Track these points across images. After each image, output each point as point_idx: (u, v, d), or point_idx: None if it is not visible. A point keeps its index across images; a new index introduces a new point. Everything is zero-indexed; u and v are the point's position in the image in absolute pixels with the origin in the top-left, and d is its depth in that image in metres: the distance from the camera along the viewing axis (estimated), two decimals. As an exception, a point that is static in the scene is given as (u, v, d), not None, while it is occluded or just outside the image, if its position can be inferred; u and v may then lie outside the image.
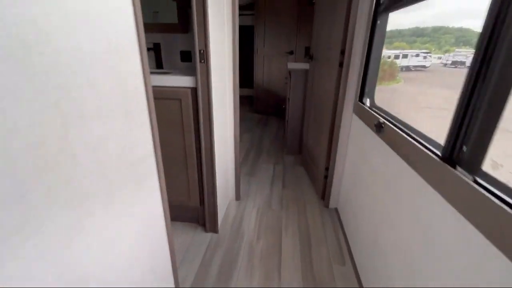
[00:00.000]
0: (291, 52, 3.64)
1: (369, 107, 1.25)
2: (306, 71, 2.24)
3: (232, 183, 1.77)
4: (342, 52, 1.42)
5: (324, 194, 1.79)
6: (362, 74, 1.33)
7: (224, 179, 1.62)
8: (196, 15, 1.09)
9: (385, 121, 1.00)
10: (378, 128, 1.03)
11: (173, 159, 1.37)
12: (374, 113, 1.12)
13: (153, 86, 1.27)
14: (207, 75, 1.17)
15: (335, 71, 1.49)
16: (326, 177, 1.73)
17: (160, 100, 1.27)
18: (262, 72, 3.90)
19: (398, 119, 0.99)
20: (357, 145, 1.41)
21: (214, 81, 1.24)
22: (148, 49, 1.51)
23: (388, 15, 1.17)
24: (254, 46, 3.80)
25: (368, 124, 1.19)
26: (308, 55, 2.07)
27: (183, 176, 1.40)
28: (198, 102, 1.22)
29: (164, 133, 1.32)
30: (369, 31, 1.26)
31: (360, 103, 1.33)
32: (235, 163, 1.72)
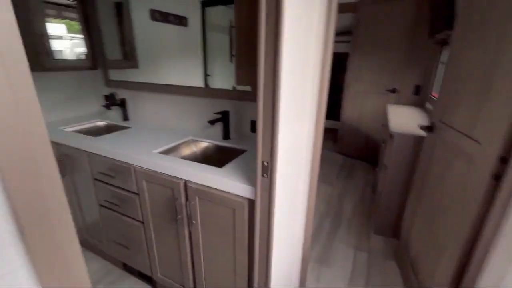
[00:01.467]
0: (393, 90, 2.95)
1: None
2: (417, 140, 1.63)
3: (297, 274, 1.37)
4: None
5: None
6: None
7: (287, 265, 1.24)
8: (263, 116, 0.78)
9: None
10: None
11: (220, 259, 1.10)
12: None
13: (202, 185, 1.04)
14: (270, 190, 0.84)
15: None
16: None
17: (210, 202, 1.02)
18: (353, 107, 3.32)
19: None
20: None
21: (280, 189, 0.90)
22: (216, 120, 1.31)
23: None
24: (346, 77, 3.28)
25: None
26: (427, 127, 1.46)
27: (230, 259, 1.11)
28: (255, 219, 0.91)
29: (210, 240, 1.07)
30: None
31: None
32: (304, 249, 1.33)
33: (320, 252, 1.81)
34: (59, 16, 1.56)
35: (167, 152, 1.26)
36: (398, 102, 2.94)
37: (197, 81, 1.48)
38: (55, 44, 1.54)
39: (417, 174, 1.57)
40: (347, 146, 3.49)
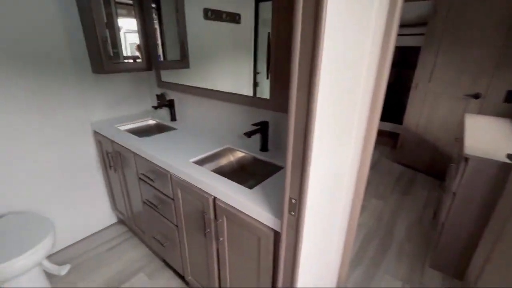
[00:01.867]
0: (476, 96, 2.42)
1: None
2: (503, 168, 1.29)
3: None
4: None
5: None
6: None
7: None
8: (293, 149, 0.67)
9: None
10: None
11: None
12: None
13: (230, 206, 1.00)
14: (297, 228, 0.74)
15: None
16: None
17: (237, 224, 0.97)
18: (420, 111, 2.87)
19: None
20: None
21: (311, 225, 0.79)
22: (253, 132, 1.24)
23: None
24: (415, 75, 2.83)
25: None
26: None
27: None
28: (280, 253, 0.82)
29: (236, 259, 1.03)
30: None
31: None
32: (339, 279, 1.20)
33: (359, 281, 1.63)
34: (121, 15, 1.66)
35: (202, 161, 1.25)
36: (482, 111, 2.42)
37: (245, 87, 1.42)
38: (115, 47, 1.67)
39: (498, 210, 1.25)
40: (408, 156, 3.06)
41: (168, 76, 1.82)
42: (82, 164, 1.79)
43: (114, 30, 1.65)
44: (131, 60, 1.77)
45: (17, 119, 1.47)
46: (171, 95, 1.87)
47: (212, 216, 1.06)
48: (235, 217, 0.95)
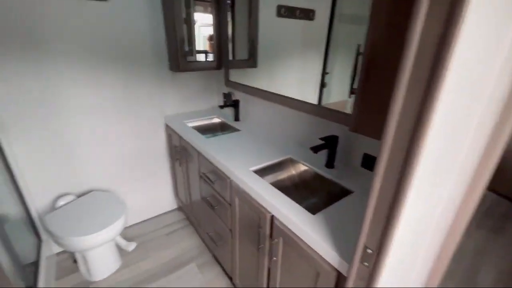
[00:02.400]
0: None
1: None
2: None
3: None
4: None
5: None
6: None
7: None
8: (379, 190, 0.55)
9: None
10: None
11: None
12: None
13: (288, 229, 0.92)
14: (370, 282, 0.62)
15: None
16: None
17: (294, 250, 0.89)
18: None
19: None
20: None
21: (387, 277, 0.66)
22: (320, 148, 1.13)
23: None
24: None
25: None
26: None
27: None
28: (342, 300, 0.72)
29: (288, 284, 0.96)
30: None
31: None
32: None
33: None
34: (197, 11, 1.72)
35: (263, 171, 1.20)
36: None
37: (310, 89, 1.31)
38: (190, 44, 1.74)
39: None
40: (509, 182, 2.48)
41: (235, 75, 1.82)
42: (153, 153, 1.96)
43: (190, 27, 1.71)
44: (203, 56, 1.82)
45: (111, 108, 1.67)
46: (236, 95, 1.87)
47: (267, 232, 1.00)
48: (293, 243, 0.88)
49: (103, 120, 1.67)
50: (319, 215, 0.88)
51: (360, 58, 1.00)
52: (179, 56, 1.66)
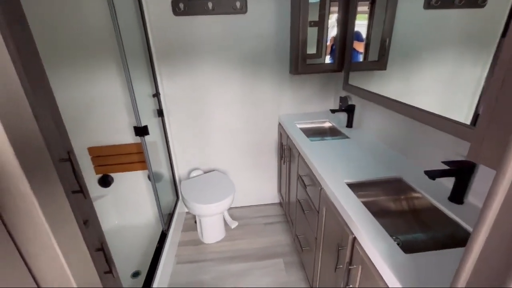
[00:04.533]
0: None
1: None
2: None
3: None
4: None
5: None
6: None
7: None
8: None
9: None
10: None
11: None
12: None
13: (369, 259, 0.76)
14: None
15: None
16: None
17: (372, 283, 0.75)
18: None
19: None
20: None
21: None
22: (443, 174, 0.88)
23: None
24: None
25: None
26: None
27: None
28: None
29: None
30: None
31: None
32: None
33: None
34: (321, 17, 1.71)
35: (358, 186, 1.07)
36: None
37: (459, 107, 1.00)
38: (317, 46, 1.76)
39: None
40: None
41: (356, 78, 1.68)
42: (265, 147, 2.15)
43: (323, 29, 1.73)
44: (327, 58, 1.80)
45: (238, 104, 1.98)
46: (354, 100, 1.73)
47: (348, 254, 0.90)
48: (372, 278, 0.75)
49: (230, 114, 2.00)
50: (413, 257, 0.70)
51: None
52: (299, 59, 1.72)
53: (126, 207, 2.09)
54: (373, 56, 1.56)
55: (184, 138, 2.05)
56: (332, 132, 1.80)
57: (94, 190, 1.99)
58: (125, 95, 1.78)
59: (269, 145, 2.15)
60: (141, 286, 1.40)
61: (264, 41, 1.81)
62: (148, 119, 1.78)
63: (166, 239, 1.73)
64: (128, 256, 1.79)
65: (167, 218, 1.93)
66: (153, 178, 1.68)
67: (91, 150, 1.88)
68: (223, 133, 2.06)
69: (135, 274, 1.67)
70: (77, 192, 0.67)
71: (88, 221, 0.73)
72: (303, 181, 1.40)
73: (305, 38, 1.68)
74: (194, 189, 1.87)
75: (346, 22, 1.66)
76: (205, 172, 2.13)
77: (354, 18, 1.62)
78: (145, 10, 1.65)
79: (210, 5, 1.66)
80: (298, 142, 1.50)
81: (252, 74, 1.90)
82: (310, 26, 1.70)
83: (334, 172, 1.14)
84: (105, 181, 2.00)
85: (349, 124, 1.72)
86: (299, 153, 1.48)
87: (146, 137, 1.58)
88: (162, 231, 1.79)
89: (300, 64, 1.73)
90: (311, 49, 1.76)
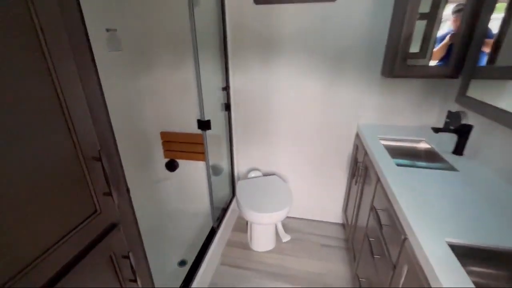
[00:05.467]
0: None
1: None
2: None
3: None
4: None
5: None
6: None
7: None
8: None
9: None
10: None
11: None
12: None
13: None
14: None
15: None
16: None
17: None
18: None
19: None
20: None
21: None
22: None
23: None
24: None
25: None
26: None
27: None
28: None
29: None
30: None
31: None
32: None
33: None
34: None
35: (468, 253, 0.72)
36: None
37: None
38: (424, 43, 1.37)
39: None
40: None
41: (480, 89, 1.21)
42: (336, 159, 1.86)
43: (433, 23, 1.34)
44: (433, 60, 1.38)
45: (311, 105, 1.75)
46: (471, 118, 1.27)
47: None
48: None
49: (301, 116, 1.78)
50: None
51: None
52: (397, 59, 1.36)
53: (186, 194, 2.15)
54: (507, 59, 1.08)
55: (248, 135, 1.95)
56: (430, 158, 1.38)
57: (161, 173, 2.11)
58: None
59: (340, 157, 1.84)
60: (182, 281, 1.37)
61: (354, 34, 1.50)
62: (214, 112, 1.74)
63: (214, 236, 1.68)
64: (179, 243, 1.83)
65: (220, 213, 1.88)
66: (209, 172, 1.64)
67: (163, 134, 1.98)
68: (290, 136, 1.87)
69: (182, 263, 1.69)
70: (107, 194, 0.61)
71: (117, 225, 0.66)
72: (378, 216, 1.09)
73: (411, 32, 1.31)
74: (249, 192, 1.75)
75: (475, 14, 1.21)
76: (264, 175, 1.99)
77: (491, 10, 1.15)
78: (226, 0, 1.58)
79: (296, -9, 1.47)
80: (378, 163, 1.18)
81: (333, 73, 1.62)
82: (418, 19, 1.31)
83: (429, 219, 0.81)
84: (171, 166, 2.09)
85: (458, 151, 1.27)
86: (378, 178, 1.16)
87: (210, 129, 1.53)
88: (212, 227, 1.75)
89: (398, 65, 1.36)
90: (414, 48, 1.37)
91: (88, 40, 0.57)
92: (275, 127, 1.86)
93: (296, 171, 1.98)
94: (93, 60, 0.58)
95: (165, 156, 2.07)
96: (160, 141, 2.00)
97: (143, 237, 0.80)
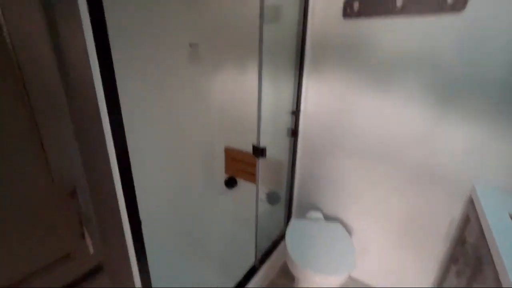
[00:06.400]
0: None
1: None
2: None
3: None
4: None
5: None
6: None
7: None
8: None
9: None
10: None
11: None
12: None
13: None
14: None
15: None
16: None
17: None
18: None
19: None
20: None
21: None
22: None
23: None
24: None
25: None
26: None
27: None
28: None
29: None
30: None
31: None
32: None
33: None
34: None
35: None
36: None
37: None
38: None
39: None
40: None
41: None
42: (430, 228, 1.34)
43: None
44: None
45: (400, 146, 1.35)
46: None
47: None
48: None
49: (386, 161, 1.39)
50: None
51: None
52: None
53: (237, 216, 2.03)
54: None
55: (314, 166, 1.67)
56: None
57: (220, 188, 2.05)
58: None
59: (435, 227, 1.33)
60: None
61: (488, 57, 1.04)
62: (276, 138, 1.56)
63: (253, 277, 1.47)
64: (219, 269, 1.70)
65: (268, 246, 1.66)
66: (258, 198, 1.46)
67: (226, 150, 1.93)
68: (367, 181, 1.49)
69: (216, 293, 1.55)
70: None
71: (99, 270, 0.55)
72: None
73: None
74: (302, 239, 1.45)
75: None
76: (325, 218, 1.65)
77: None
78: (309, 13, 1.38)
79: (399, 1, 1.13)
80: (504, 249, 0.72)
81: (442, 104, 1.18)
82: None
83: None
84: (230, 183, 2.03)
85: None
86: (499, 270, 0.70)
87: (269, 155, 1.36)
88: (253, 266, 1.54)
89: None
90: None
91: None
92: (350, 163, 1.51)
93: (369, 228, 1.55)
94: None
95: (226, 173, 2.02)
96: (223, 157, 1.96)
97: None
